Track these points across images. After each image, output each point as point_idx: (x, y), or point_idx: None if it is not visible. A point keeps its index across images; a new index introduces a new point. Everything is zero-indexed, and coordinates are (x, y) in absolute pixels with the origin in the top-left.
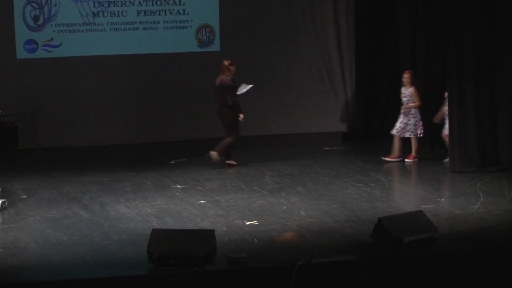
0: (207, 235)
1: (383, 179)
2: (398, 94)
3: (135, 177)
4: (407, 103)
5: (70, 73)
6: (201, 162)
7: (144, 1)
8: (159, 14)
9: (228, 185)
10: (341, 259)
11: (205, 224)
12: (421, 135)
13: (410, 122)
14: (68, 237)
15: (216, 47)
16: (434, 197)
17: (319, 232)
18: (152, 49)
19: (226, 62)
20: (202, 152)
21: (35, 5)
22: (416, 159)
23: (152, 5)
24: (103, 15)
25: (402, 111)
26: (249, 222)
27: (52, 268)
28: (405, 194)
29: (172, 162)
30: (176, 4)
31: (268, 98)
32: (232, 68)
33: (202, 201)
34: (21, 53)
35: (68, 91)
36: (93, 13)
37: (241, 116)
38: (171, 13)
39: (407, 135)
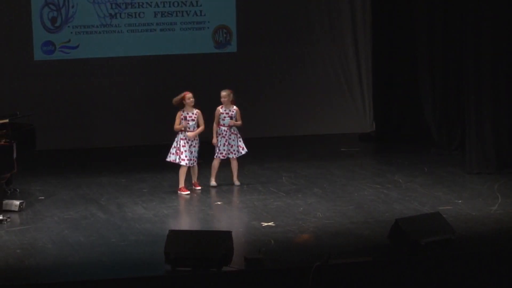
0: (224, 236)
1: (400, 180)
2: (415, 94)
3: (152, 178)
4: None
5: (87, 75)
6: None
7: (161, 3)
8: (176, 16)
9: (245, 186)
10: (358, 261)
11: (222, 225)
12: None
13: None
14: (85, 238)
15: (233, 48)
16: (451, 198)
17: (335, 234)
18: (169, 50)
19: None
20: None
21: (52, 7)
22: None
23: (169, 6)
24: (120, 17)
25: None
26: (265, 223)
27: (69, 269)
28: (422, 196)
29: None
30: (193, 5)
31: (284, 99)
32: None
33: (219, 202)
34: (39, 55)
35: (85, 93)
36: (110, 14)
37: None
38: (188, 15)
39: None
